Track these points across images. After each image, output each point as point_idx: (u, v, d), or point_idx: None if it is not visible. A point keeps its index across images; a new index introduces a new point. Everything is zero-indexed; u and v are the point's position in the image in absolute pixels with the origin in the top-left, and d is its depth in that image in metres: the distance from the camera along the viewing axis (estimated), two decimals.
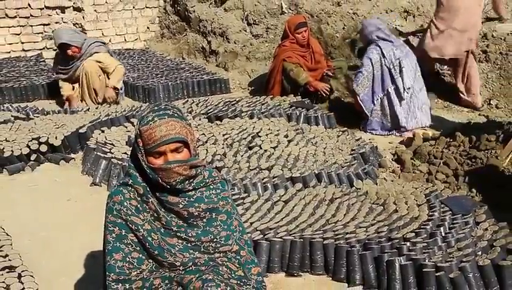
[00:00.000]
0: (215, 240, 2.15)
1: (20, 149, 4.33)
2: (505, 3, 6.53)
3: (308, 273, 2.90)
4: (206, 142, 4.46)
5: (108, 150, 4.30)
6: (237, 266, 2.16)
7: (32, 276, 2.76)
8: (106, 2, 8.14)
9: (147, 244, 2.08)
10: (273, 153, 4.23)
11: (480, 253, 2.81)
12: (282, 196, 3.55)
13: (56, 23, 7.76)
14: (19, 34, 7.65)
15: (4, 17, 7.48)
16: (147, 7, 8.55)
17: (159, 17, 8.65)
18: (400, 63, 4.99)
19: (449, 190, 3.81)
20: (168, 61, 7.54)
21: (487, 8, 6.48)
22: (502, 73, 5.97)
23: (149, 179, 2.08)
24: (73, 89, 5.96)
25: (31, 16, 7.64)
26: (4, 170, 4.21)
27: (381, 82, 5.05)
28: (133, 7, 8.40)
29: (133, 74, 6.88)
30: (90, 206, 3.63)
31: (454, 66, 5.83)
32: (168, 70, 7.04)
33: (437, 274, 2.61)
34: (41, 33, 7.76)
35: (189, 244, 2.13)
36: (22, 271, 2.77)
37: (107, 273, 2.06)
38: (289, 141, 4.46)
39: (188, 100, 5.95)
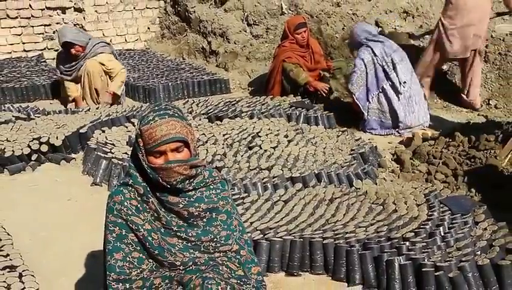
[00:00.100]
0: (215, 239, 2.15)
1: (21, 149, 4.34)
2: None
3: (307, 273, 2.91)
4: (206, 142, 4.47)
5: (109, 150, 4.31)
6: (237, 265, 2.17)
7: (33, 275, 2.77)
8: (107, 3, 8.16)
9: (147, 244, 2.09)
10: (273, 153, 4.24)
11: (479, 253, 2.82)
12: (282, 195, 3.56)
13: (57, 23, 7.77)
14: (20, 35, 7.66)
15: (5, 18, 7.49)
16: (147, 8, 8.56)
17: (159, 17, 8.66)
18: (392, 59, 5.09)
19: (448, 189, 3.81)
20: (168, 62, 7.55)
21: (495, 5, 6.46)
22: (500, 73, 5.97)
23: (149, 179, 2.08)
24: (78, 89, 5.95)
25: (32, 16, 7.65)
26: (5, 170, 4.22)
27: (375, 80, 5.12)
28: (134, 8, 8.42)
29: (133, 74, 6.89)
30: (90, 206, 3.64)
31: (461, 66, 5.84)
32: (169, 70, 7.06)
33: (436, 274, 2.62)
34: (42, 34, 7.78)
35: (189, 244, 2.13)
36: (22, 271, 2.78)
37: (107, 273, 2.07)
38: (289, 141, 4.47)
39: (188, 100, 5.96)
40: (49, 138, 4.49)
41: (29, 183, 4.08)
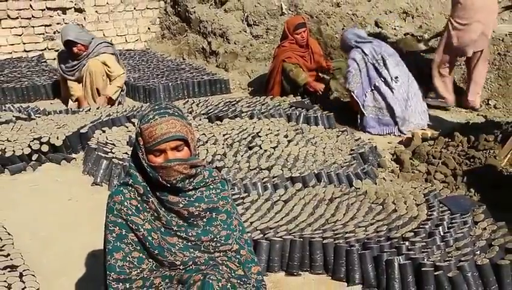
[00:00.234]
0: (215, 239, 2.15)
1: (22, 149, 4.35)
2: None
3: (307, 273, 2.92)
4: (207, 142, 4.48)
5: (109, 150, 4.31)
6: (237, 265, 2.17)
7: (33, 275, 2.77)
8: (107, 3, 8.17)
9: (147, 243, 2.09)
10: (273, 153, 4.25)
11: (478, 252, 2.83)
12: (282, 195, 3.56)
13: (57, 24, 7.78)
14: (20, 35, 7.67)
15: (6, 18, 7.50)
16: (147, 8, 8.57)
17: (159, 18, 8.67)
18: (382, 56, 5.25)
19: (448, 189, 3.82)
20: (168, 62, 7.56)
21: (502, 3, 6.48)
22: (500, 73, 5.98)
23: (149, 179, 2.09)
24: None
25: (33, 16, 7.67)
26: (6, 170, 4.23)
27: (368, 78, 5.26)
28: (134, 8, 8.43)
29: (134, 74, 6.90)
30: (91, 206, 3.65)
31: (467, 66, 5.86)
32: (169, 70, 7.07)
33: (436, 273, 2.62)
34: (43, 34, 7.79)
35: (189, 244, 2.14)
36: (23, 270, 2.79)
37: (107, 272, 2.07)
38: (289, 141, 4.48)
39: (188, 100, 5.97)
40: (49, 138, 4.50)
41: (30, 183, 4.09)
